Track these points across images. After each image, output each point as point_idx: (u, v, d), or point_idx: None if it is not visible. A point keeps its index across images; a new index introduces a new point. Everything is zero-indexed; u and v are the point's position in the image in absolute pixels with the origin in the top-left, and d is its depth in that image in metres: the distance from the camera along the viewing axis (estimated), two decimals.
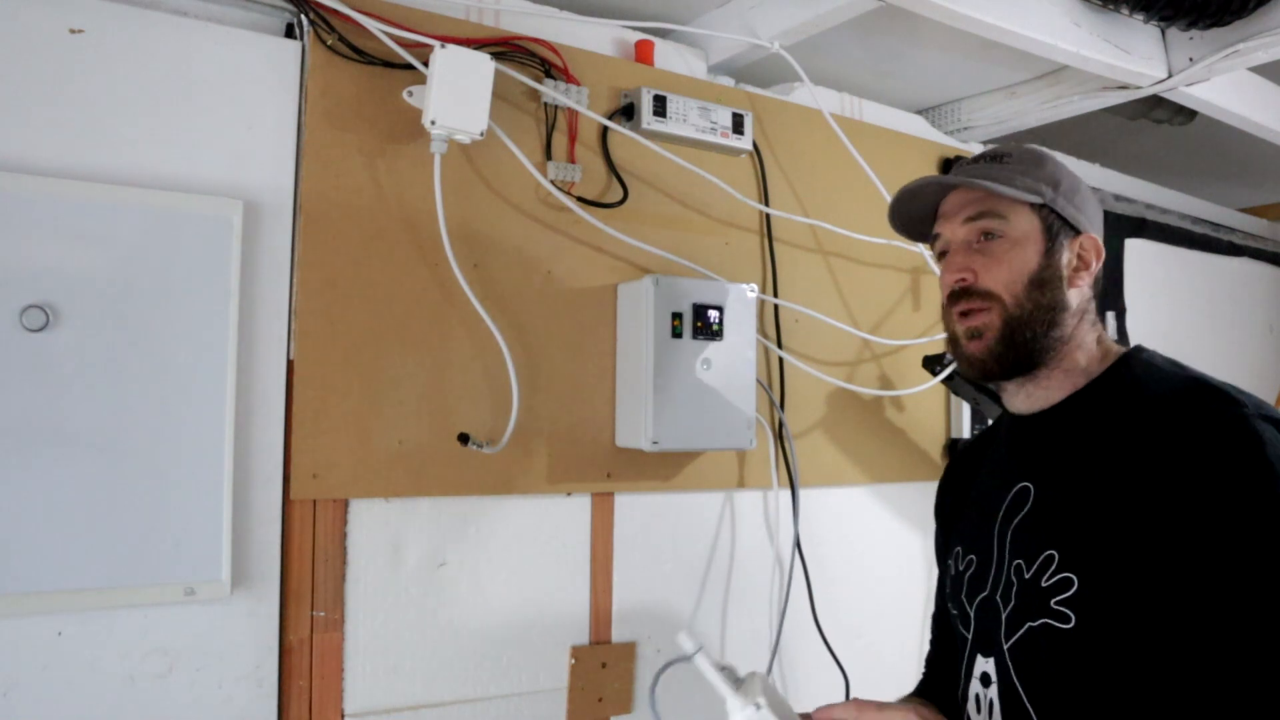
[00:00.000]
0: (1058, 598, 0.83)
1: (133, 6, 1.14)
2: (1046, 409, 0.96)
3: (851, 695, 1.57)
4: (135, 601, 1.10)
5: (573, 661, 1.44)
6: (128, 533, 1.09)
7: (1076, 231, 0.97)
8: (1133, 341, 2.31)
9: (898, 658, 1.84)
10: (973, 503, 1.03)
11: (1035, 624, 0.84)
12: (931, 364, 1.78)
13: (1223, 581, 0.76)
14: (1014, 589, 0.88)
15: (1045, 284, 0.95)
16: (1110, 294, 2.32)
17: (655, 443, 1.41)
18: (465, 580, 1.36)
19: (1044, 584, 0.84)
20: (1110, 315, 2.31)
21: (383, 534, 1.29)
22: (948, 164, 1.96)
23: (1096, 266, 0.97)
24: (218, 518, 1.14)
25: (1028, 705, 0.84)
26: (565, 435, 1.43)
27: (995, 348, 0.95)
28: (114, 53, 1.13)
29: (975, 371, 0.97)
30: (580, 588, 1.47)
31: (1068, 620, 0.82)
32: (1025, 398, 0.98)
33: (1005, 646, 0.87)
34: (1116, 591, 0.80)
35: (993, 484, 0.99)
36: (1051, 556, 0.85)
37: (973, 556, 0.97)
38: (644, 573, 1.53)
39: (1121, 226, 2.36)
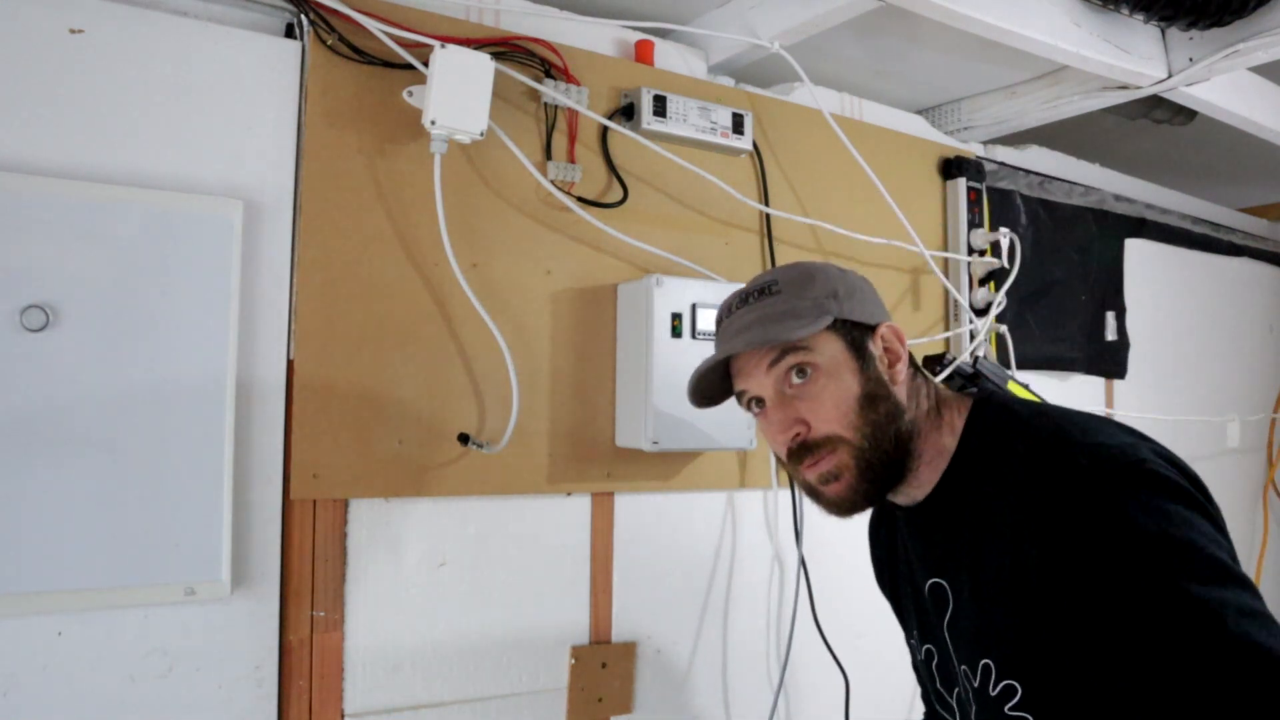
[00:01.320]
0: (1009, 704, 0.82)
1: (133, 6, 1.14)
2: (924, 499, 0.93)
3: (851, 695, 1.57)
4: (135, 601, 1.10)
5: (573, 661, 1.44)
6: (128, 533, 1.09)
7: (871, 329, 0.93)
8: (1133, 342, 2.33)
9: (898, 657, 1.84)
10: (903, 589, 1.03)
11: None
12: (931, 364, 1.78)
13: (1127, 644, 0.73)
14: (971, 694, 0.88)
15: (875, 399, 0.90)
16: (1110, 294, 2.32)
17: (655, 443, 1.41)
18: (465, 580, 1.36)
19: (992, 694, 0.83)
20: (1110, 315, 2.31)
21: (383, 534, 1.29)
22: (948, 164, 1.96)
23: (903, 349, 0.93)
24: (218, 517, 1.14)
25: None
26: (565, 435, 1.43)
27: (858, 486, 0.89)
28: (114, 53, 1.13)
29: (845, 512, 0.92)
30: (580, 587, 1.47)
31: None
32: (903, 496, 0.94)
33: None
34: (1059, 686, 0.78)
35: (911, 575, 0.99)
36: (989, 666, 0.84)
37: (930, 648, 0.97)
38: (644, 573, 1.53)
39: (1121, 226, 2.36)
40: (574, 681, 1.44)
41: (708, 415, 1.46)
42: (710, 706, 1.62)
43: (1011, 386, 1.73)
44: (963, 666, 0.89)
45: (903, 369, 0.93)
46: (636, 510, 1.53)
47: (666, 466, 1.54)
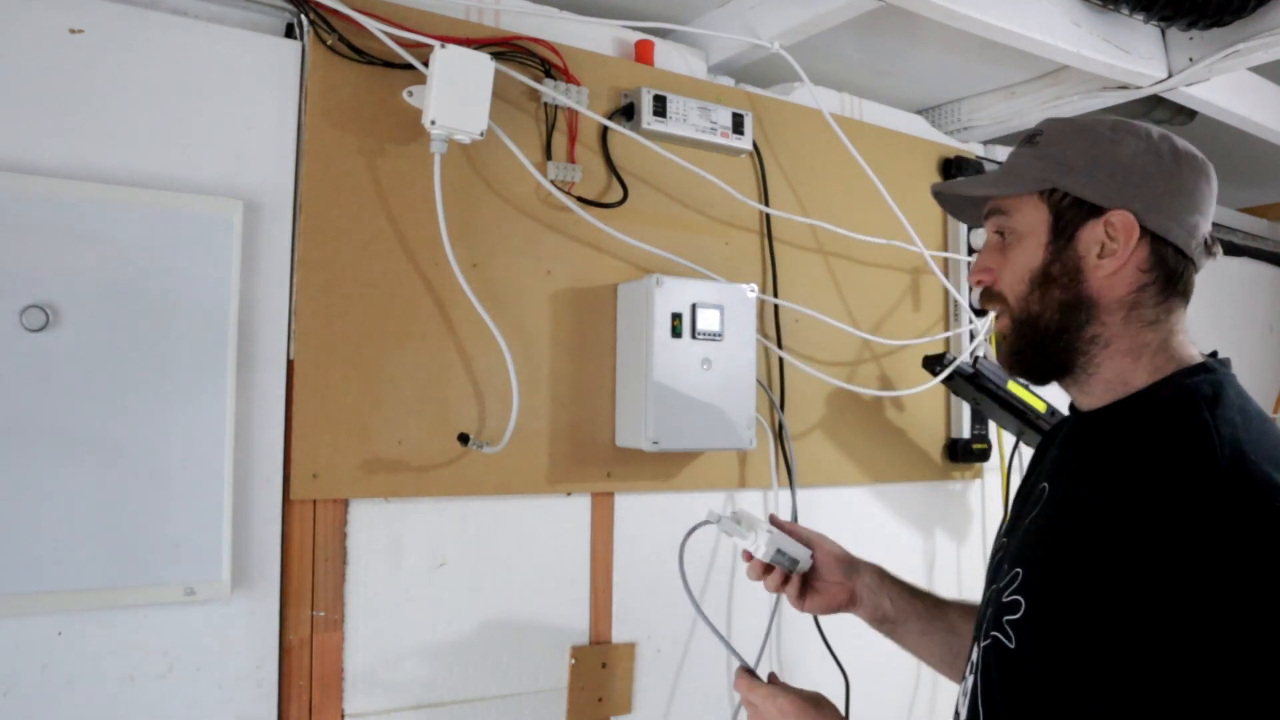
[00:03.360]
0: (1008, 616, 0.81)
1: (133, 7, 1.14)
2: (1091, 411, 0.90)
3: (850, 692, 1.57)
4: (135, 601, 1.10)
5: (573, 661, 1.44)
6: (128, 533, 1.09)
7: (1099, 211, 0.85)
8: None
9: (898, 657, 1.84)
10: (1026, 483, 1.00)
11: (991, 637, 0.83)
12: (931, 364, 1.78)
13: (1140, 646, 0.71)
14: (992, 594, 0.87)
15: (1053, 280, 0.87)
16: None
17: (655, 443, 1.41)
18: (465, 580, 1.36)
19: (1004, 599, 0.83)
20: None
21: (383, 534, 1.29)
22: (948, 164, 1.96)
23: (1130, 247, 0.84)
24: (218, 518, 1.14)
25: (980, 708, 0.83)
26: (565, 435, 1.43)
27: (1014, 351, 0.91)
28: (114, 53, 1.13)
29: (1009, 369, 0.94)
30: (580, 588, 1.47)
31: (1011, 641, 0.80)
32: (1079, 394, 0.92)
33: (981, 645, 0.86)
34: (1055, 627, 0.77)
35: (1039, 471, 0.97)
36: (1016, 574, 0.83)
37: (1003, 541, 0.95)
38: (644, 573, 1.53)
39: None
40: (574, 681, 1.44)
41: (708, 415, 1.46)
42: (710, 707, 1.62)
43: (1011, 386, 1.73)
44: (1004, 565, 0.87)
45: (1113, 264, 0.85)
46: (636, 510, 1.53)
47: (666, 466, 1.54)
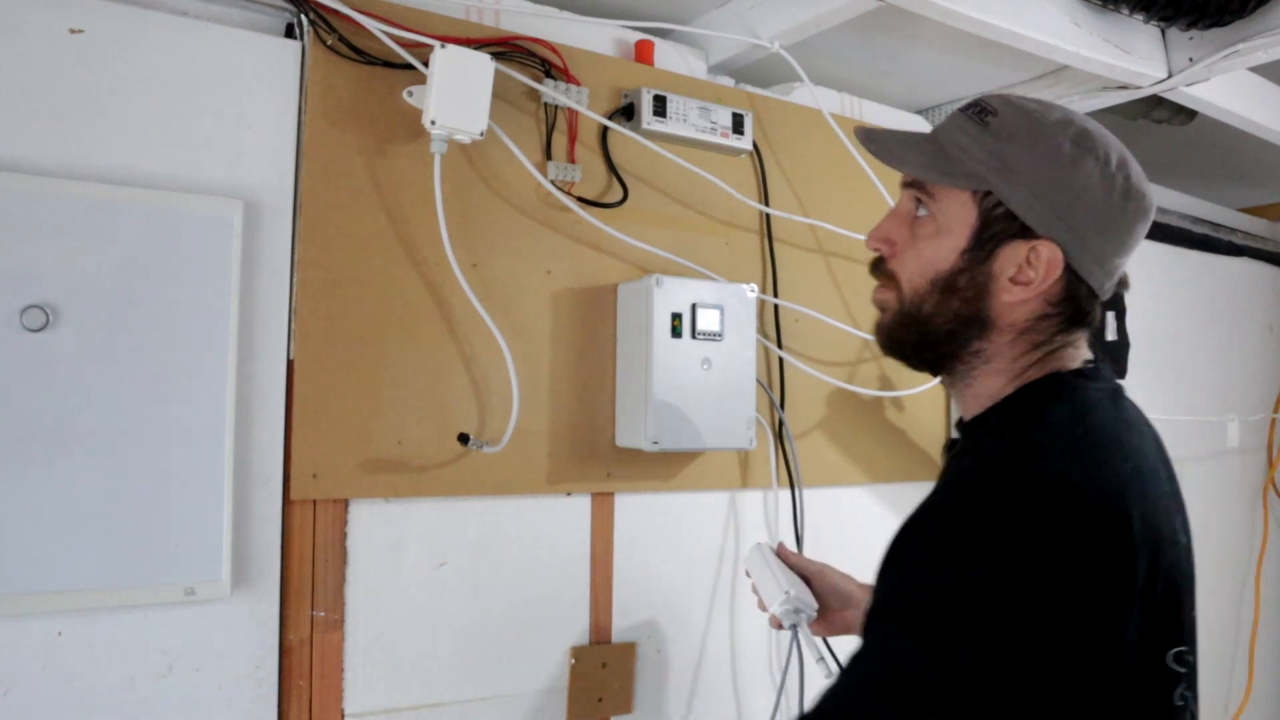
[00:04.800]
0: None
1: (133, 7, 1.14)
2: (965, 422, 0.87)
3: None
4: (135, 601, 1.10)
5: (573, 661, 1.44)
6: (128, 533, 1.09)
7: (1029, 235, 0.79)
8: (1133, 342, 2.32)
9: None
10: None
11: None
12: None
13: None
14: None
15: (956, 290, 0.81)
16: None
17: (655, 443, 1.41)
18: (465, 580, 1.36)
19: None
20: (1110, 315, 2.31)
21: (383, 534, 1.29)
22: None
23: (1046, 283, 0.79)
24: (218, 518, 1.14)
25: None
26: (565, 435, 1.43)
27: (891, 336, 0.86)
28: (114, 53, 1.13)
29: (878, 343, 0.89)
30: (580, 588, 1.47)
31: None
32: (957, 399, 0.89)
33: None
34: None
35: None
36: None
37: None
38: (644, 573, 1.53)
39: None
40: (574, 681, 1.44)
41: (708, 415, 1.46)
42: (711, 706, 1.62)
43: None
44: None
45: (1023, 294, 0.79)
46: (636, 510, 1.53)
47: (666, 466, 1.54)
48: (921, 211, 0.84)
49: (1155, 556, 0.72)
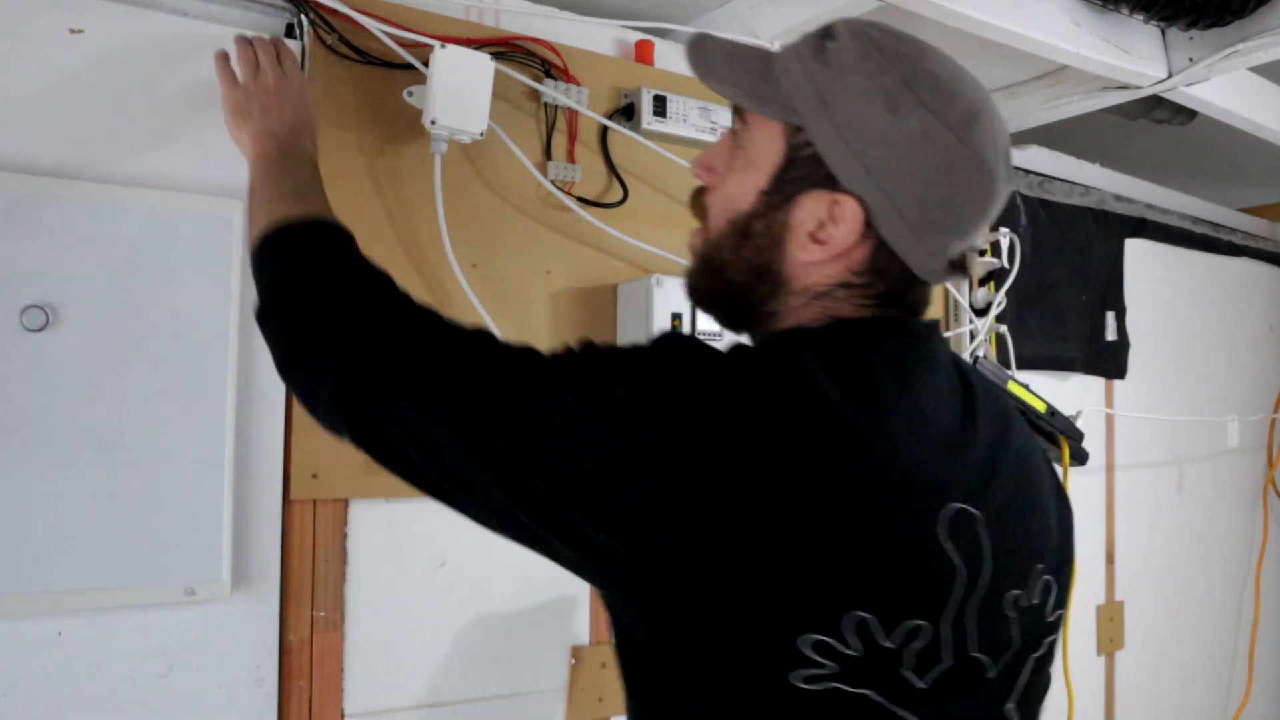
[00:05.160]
0: None
1: (133, 7, 1.14)
2: None
3: None
4: (135, 601, 1.10)
5: (573, 661, 1.44)
6: (128, 533, 1.09)
7: (836, 187, 0.68)
8: (1133, 342, 2.32)
9: None
10: None
11: None
12: None
13: None
14: None
15: (750, 236, 0.72)
16: (1110, 294, 2.32)
17: None
18: (465, 580, 1.36)
19: None
20: (1110, 315, 2.31)
21: (383, 534, 1.29)
22: None
23: (845, 246, 0.69)
24: (218, 518, 1.14)
25: None
26: None
27: (693, 283, 0.79)
28: (114, 53, 1.13)
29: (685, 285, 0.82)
30: (580, 588, 1.47)
31: None
32: None
33: None
34: None
35: None
36: None
37: None
38: None
39: (1121, 226, 2.36)
40: (574, 681, 1.44)
41: None
42: None
43: (1011, 386, 1.73)
44: None
45: (820, 255, 0.70)
46: None
47: None
48: (738, 140, 0.74)
49: (855, 511, 0.63)
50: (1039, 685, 0.76)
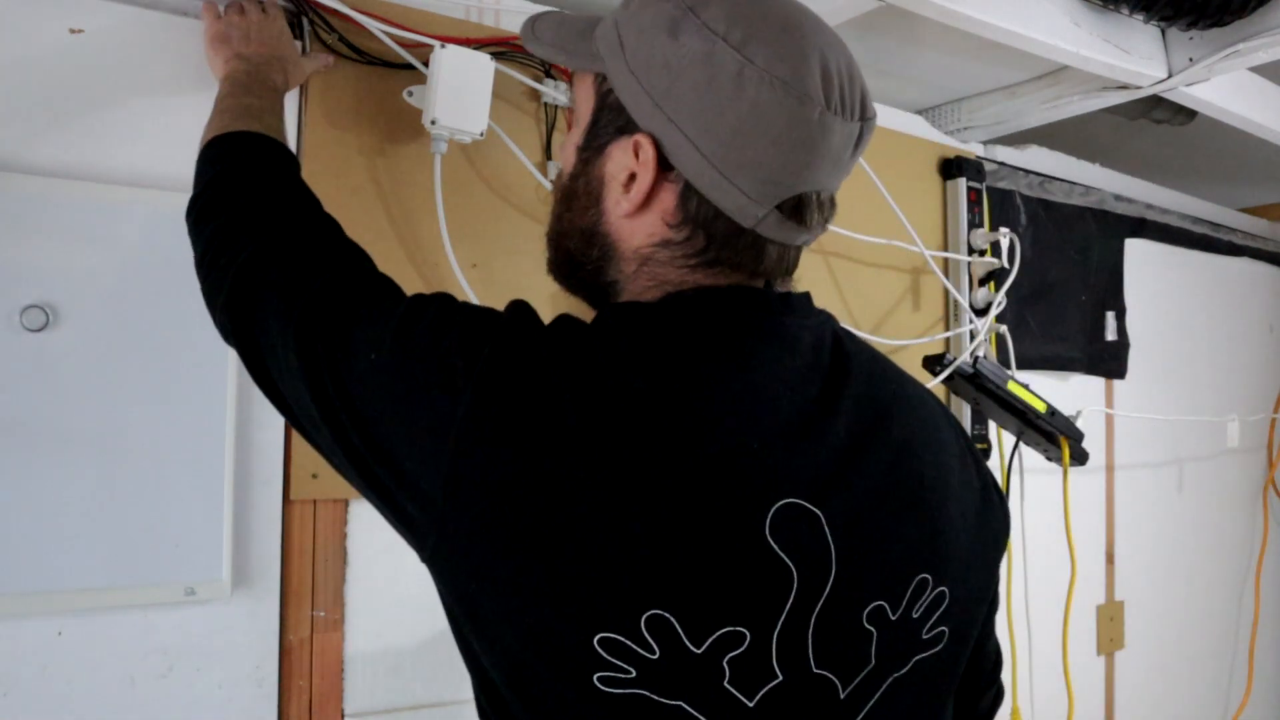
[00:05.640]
0: None
1: (133, 7, 1.14)
2: None
3: None
4: (135, 601, 1.10)
5: None
6: (128, 533, 1.09)
7: (630, 130, 0.64)
8: (1133, 342, 2.32)
9: None
10: None
11: None
12: (931, 364, 1.78)
13: None
14: None
15: (574, 198, 0.69)
16: (1110, 294, 2.32)
17: None
18: None
19: None
20: (1110, 315, 2.31)
21: (383, 534, 1.28)
22: (948, 164, 1.96)
23: (645, 182, 0.64)
24: (218, 517, 1.14)
25: None
26: None
27: (548, 259, 0.77)
28: (114, 52, 1.13)
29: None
30: None
31: None
32: None
33: None
34: None
35: None
36: None
37: None
38: None
39: (1121, 226, 2.36)
40: None
41: None
42: None
43: (1011, 386, 1.73)
44: None
45: (630, 205, 0.65)
46: None
47: None
48: (571, 106, 0.72)
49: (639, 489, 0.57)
50: (897, 707, 0.66)
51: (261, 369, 0.75)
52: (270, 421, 1.20)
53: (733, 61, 0.60)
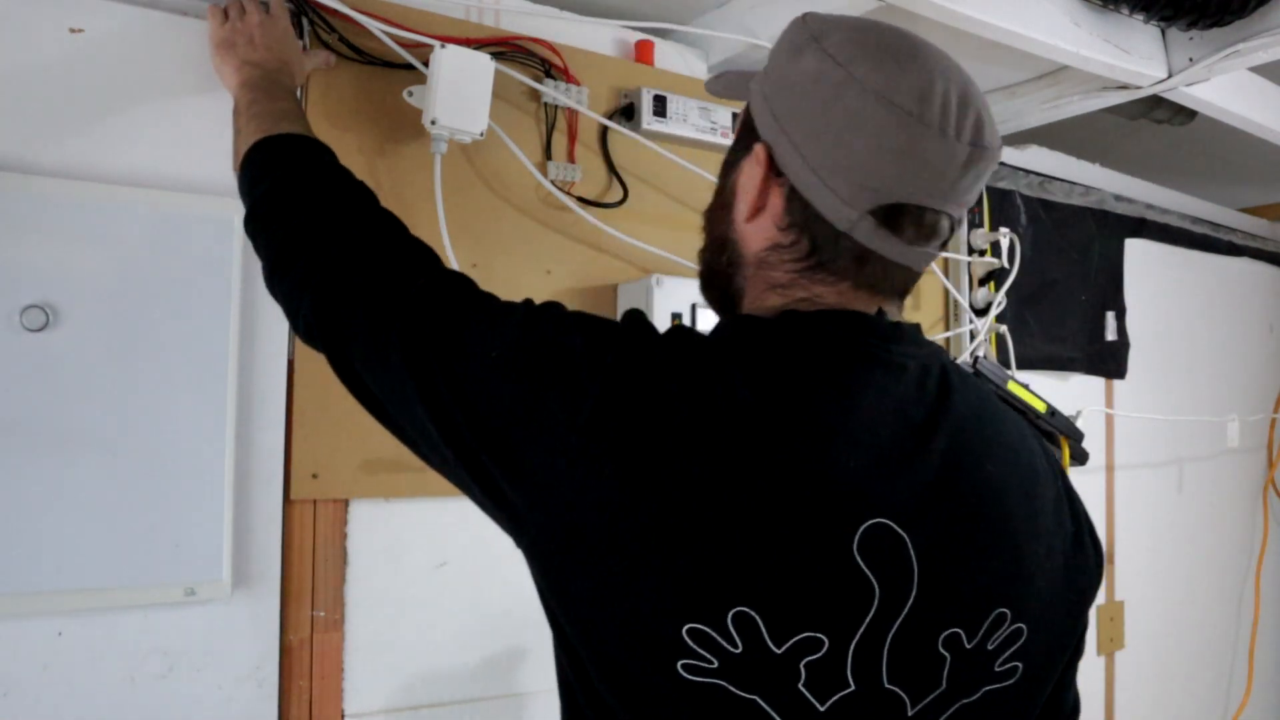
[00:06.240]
0: None
1: (133, 6, 1.14)
2: None
3: None
4: (136, 602, 1.10)
5: None
6: (128, 533, 1.09)
7: (756, 141, 0.70)
8: (1133, 342, 2.33)
9: None
10: None
11: None
12: None
13: None
14: None
15: (715, 209, 0.76)
16: (1110, 294, 2.32)
17: None
18: (465, 580, 1.36)
19: None
20: (1110, 315, 2.31)
21: (383, 534, 1.29)
22: None
23: (755, 183, 0.69)
24: (218, 518, 1.14)
25: None
26: None
27: (699, 275, 0.81)
28: (114, 52, 1.13)
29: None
30: None
31: None
32: None
33: None
34: None
35: None
36: None
37: None
38: None
39: (1121, 226, 2.36)
40: None
41: None
42: None
43: (1011, 386, 1.73)
44: None
45: (746, 210, 0.71)
46: None
47: None
48: None
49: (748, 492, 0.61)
50: None
51: (349, 370, 0.80)
52: (270, 422, 1.20)
53: (837, 75, 0.65)
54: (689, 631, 0.60)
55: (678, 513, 0.61)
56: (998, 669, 0.69)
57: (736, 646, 0.61)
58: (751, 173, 0.70)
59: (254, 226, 0.92)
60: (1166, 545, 2.49)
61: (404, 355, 0.72)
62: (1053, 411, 1.75)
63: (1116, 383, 2.33)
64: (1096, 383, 2.30)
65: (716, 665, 0.61)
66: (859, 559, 0.62)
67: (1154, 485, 2.46)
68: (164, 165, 1.15)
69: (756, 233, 0.71)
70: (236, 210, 1.17)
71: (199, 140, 1.17)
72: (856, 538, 0.62)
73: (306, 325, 0.84)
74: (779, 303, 0.71)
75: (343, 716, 1.25)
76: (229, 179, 1.18)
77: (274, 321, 1.21)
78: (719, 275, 0.76)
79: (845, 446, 0.63)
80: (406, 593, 1.31)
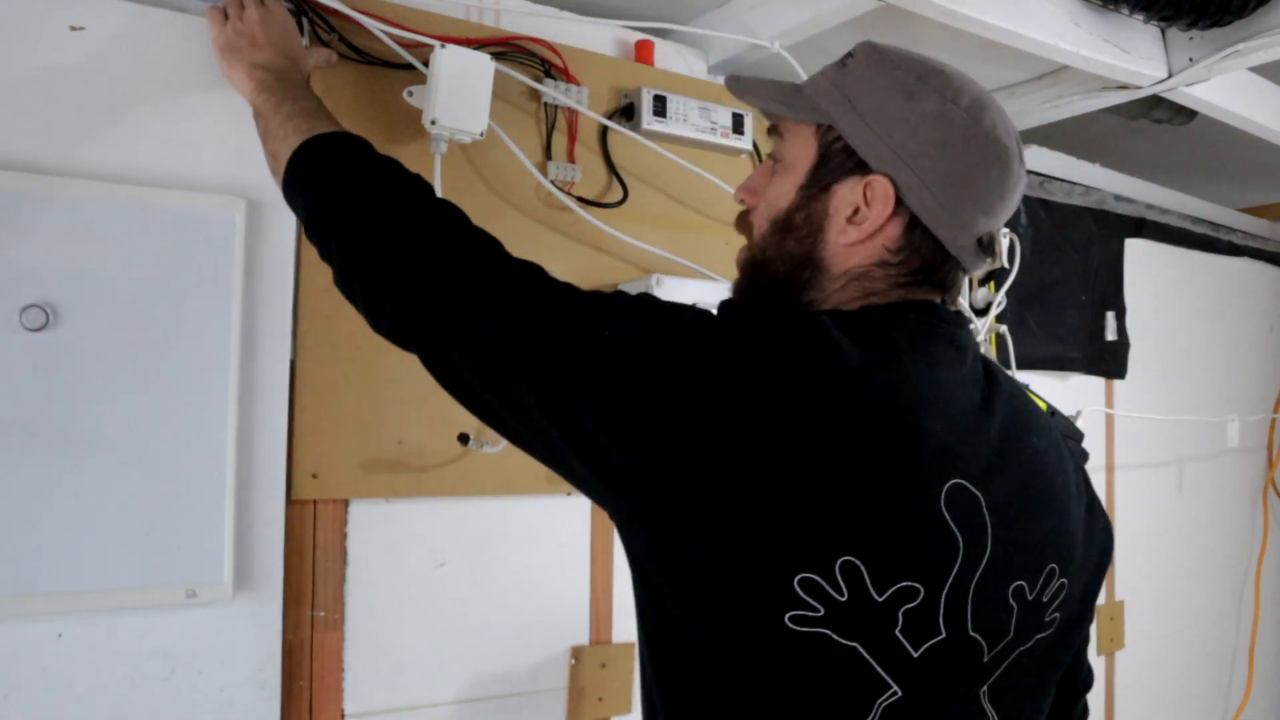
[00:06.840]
0: None
1: (134, 4, 1.14)
2: None
3: None
4: (137, 603, 1.10)
5: (573, 661, 1.44)
6: (129, 534, 1.09)
7: (864, 171, 0.76)
8: (1133, 342, 2.33)
9: None
10: None
11: None
12: None
13: None
14: None
15: (792, 229, 0.79)
16: (1110, 294, 2.32)
17: None
18: (465, 580, 1.36)
19: None
20: (1110, 315, 2.32)
21: (383, 534, 1.29)
22: None
23: (880, 222, 0.75)
24: (220, 519, 1.14)
25: None
26: None
27: (735, 285, 0.85)
28: (114, 51, 1.13)
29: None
30: (580, 588, 1.47)
31: None
32: None
33: None
34: None
35: None
36: None
37: None
38: None
39: (1121, 226, 2.36)
40: (574, 681, 1.44)
41: None
42: None
43: None
44: None
45: (859, 235, 0.76)
46: None
47: None
48: (775, 157, 0.83)
49: (862, 460, 0.67)
50: (1017, 678, 0.76)
51: (443, 365, 0.81)
52: (271, 422, 1.20)
53: (960, 120, 0.75)
54: (800, 581, 0.65)
55: (796, 466, 0.66)
56: (1046, 619, 0.77)
57: (843, 594, 0.66)
58: (854, 200, 0.76)
59: (319, 231, 0.91)
60: (1166, 545, 2.49)
61: (509, 345, 0.74)
62: (1053, 411, 1.75)
63: (1116, 383, 2.33)
64: (1096, 383, 2.30)
65: (823, 613, 0.66)
66: (946, 514, 0.68)
67: (1154, 485, 2.46)
68: (165, 163, 1.15)
69: (857, 253, 0.77)
70: (238, 208, 1.17)
71: (200, 138, 1.17)
72: (943, 495, 0.69)
73: (393, 324, 0.84)
74: (861, 300, 0.78)
75: (343, 716, 1.25)
76: (230, 177, 1.19)
77: (276, 321, 1.21)
78: (789, 288, 0.80)
79: (933, 414, 0.70)
80: (406, 593, 1.31)
